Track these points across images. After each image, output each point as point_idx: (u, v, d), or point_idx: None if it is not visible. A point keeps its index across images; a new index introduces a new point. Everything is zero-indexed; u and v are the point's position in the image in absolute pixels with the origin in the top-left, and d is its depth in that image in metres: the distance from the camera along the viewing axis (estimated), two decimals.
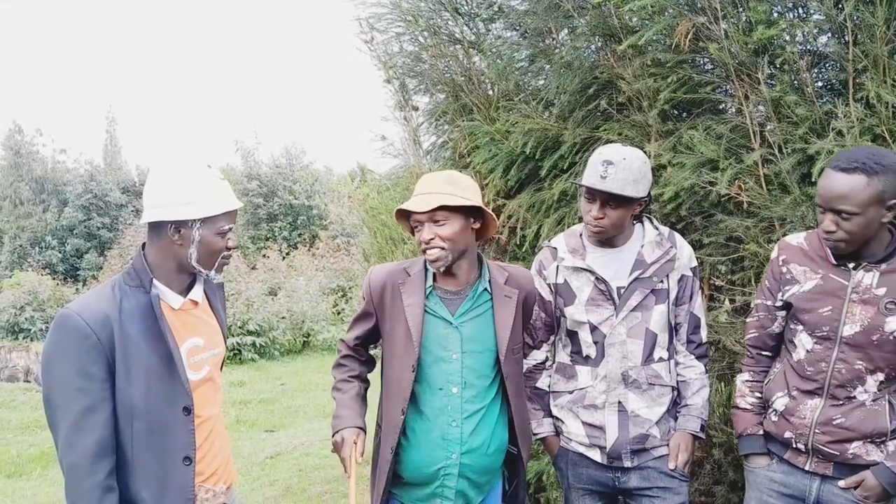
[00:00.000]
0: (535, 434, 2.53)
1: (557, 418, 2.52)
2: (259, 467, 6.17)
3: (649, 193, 2.39)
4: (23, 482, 6.03)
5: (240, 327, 12.78)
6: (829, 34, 2.73)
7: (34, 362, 10.80)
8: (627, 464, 2.39)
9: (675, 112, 3.20)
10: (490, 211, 2.29)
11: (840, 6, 2.57)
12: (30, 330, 18.02)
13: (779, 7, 2.86)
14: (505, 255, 3.75)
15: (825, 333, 2.13)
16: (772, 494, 2.29)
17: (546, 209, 3.45)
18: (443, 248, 2.20)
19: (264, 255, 19.57)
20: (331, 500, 5.16)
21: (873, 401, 2.11)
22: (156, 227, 1.93)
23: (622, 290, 2.36)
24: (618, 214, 2.32)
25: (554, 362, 2.55)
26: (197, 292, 2.06)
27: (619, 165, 2.26)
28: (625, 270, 2.37)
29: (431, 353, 2.27)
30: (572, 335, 2.45)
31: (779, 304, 2.26)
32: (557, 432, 2.54)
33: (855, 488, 2.14)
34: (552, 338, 2.55)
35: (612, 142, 2.94)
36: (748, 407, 2.38)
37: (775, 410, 2.28)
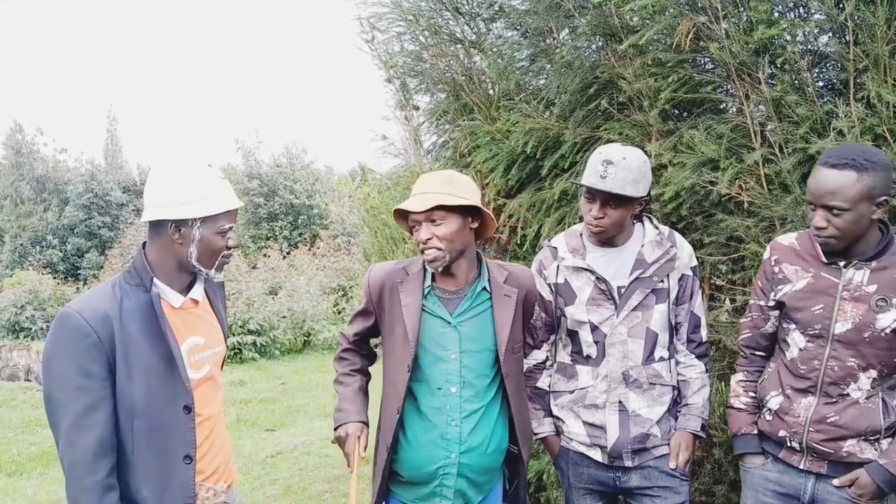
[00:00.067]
0: (535, 434, 2.53)
1: (558, 418, 2.52)
2: (260, 466, 6.17)
3: (649, 193, 2.39)
4: (23, 481, 6.04)
5: (240, 326, 12.78)
6: (830, 34, 2.73)
7: (35, 361, 10.81)
8: (628, 463, 2.39)
9: (676, 112, 3.20)
10: (488, 211, 2.28)
11: (841, 6, 2.57)
12: (30, 329, 18.03)
13: (780, 7, 2.86)
14: (505, 254, 3.75)
15: (817, 331, 2.14)
16: (767, 494, 2.30)
17: (547, 209, 3.45)
18: (440, 248, 2.20)
19: (265, 255, 19.57)
20: (331, 499, 5.16)
21: (867, 398, 2.11)
22: (156, 226, 1.94)
23: (623, 290, 2.36)
24: (618, 214, 2.32)
25: (554, 362, 2.55)
26: (197, 291, 2.06)
27: (618, 165, 2.26)
28: (625, 270, 2.37)
29: (430, 353, 2.27)
30: (573, 335, 2.45)
31: (771, 303, 2.28)
32: (558, 432, 2.54)
33: (849, 486, 2.14)
34: (552, 337, 2.55)
35: (612, 141, 2.94)
36: (742, 407, 2.39)
37: (769, 410, 2.29)
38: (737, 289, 3.02)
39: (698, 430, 2.41)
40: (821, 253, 2.14)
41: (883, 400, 2.12)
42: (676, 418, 2.44)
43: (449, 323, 2.27)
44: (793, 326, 2.21)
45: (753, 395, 2.38)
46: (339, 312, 15.89)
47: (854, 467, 2.14)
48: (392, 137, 4.67)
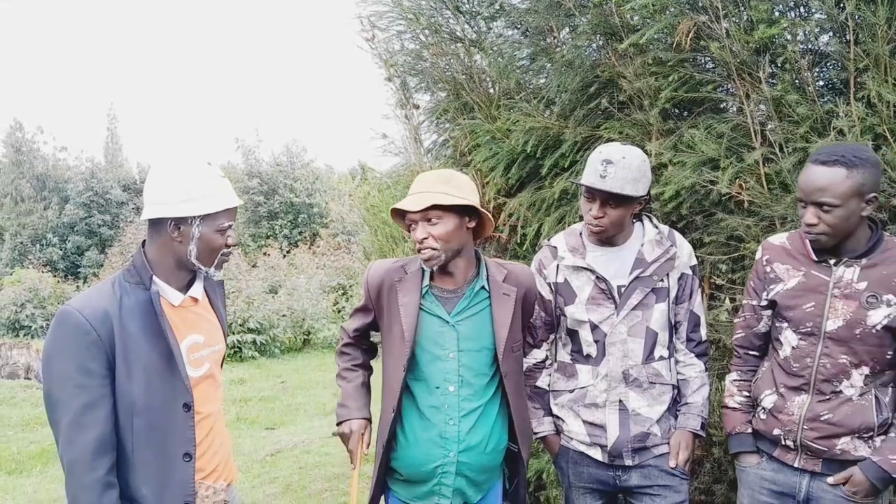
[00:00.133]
0: (535, 433, 2.53)
1: (558, 417, 2.52)
2: (259, 465, 6.18)
3: (649, 192, 2.39)
4: (23, 479, 6.04)
5: (240, 325, 12.79)
6: (831, 33, 2.72)
7: (35, 359, 10.82)
8: (628, 462, 2.39)
9: (676, 111, 3.20)
10: (485, 210, 2.27)
11: (841, 5, 2.57)
12: (30, 327, 18.05)
13: (780, 6, 2.85)
14: (506, 253, 3.75)
15: (809, 329, 2.16)
16: (763, 492, 2.31)
17: (547, 208, 3.45)
18: (435, 248, 2.19)
19: (265, 253, 19.59)
20: (331, 497, 5.16)
21: (860, 395, 2.13)
22: (156, 224, 1.94)
23: (623, 289, 2.36)
24: (618, 213, 2.32)
25: (554, 361, 2.55)
26: (197, 289, 2.06)
27: (618, 164, 2.25)
28: (625, 269, 2.37)
29: (428, 352, 2.27)
30: (572, 334, 2.45)
31: (764, 303, 2.29)
32: (558, 431, 2.54)
33: (843, 484, 2.15)
34: (552, 336, 2.55)
35: (612, 140, 2.94)
36: (736, 406, 2.41)
37: (764, 408, 2.30)
38: (737, 288, 3.02)
39: (698, 429, 2.41)
40: (811, 251, 2.16)
41: (876, 397, 2.13)
42: (676, 417, 2.44)
43: (447, 322, 2.27)
44: (785, 325, 2.23)
45: (748, 394, 2.39)
46: (339, 311, 15.91)
47: (848, 465, 2.15)
48: (392, 136, 4.68)
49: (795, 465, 2.23)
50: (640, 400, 2.38)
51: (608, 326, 2.36)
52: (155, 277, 1.95)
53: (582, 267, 2.40)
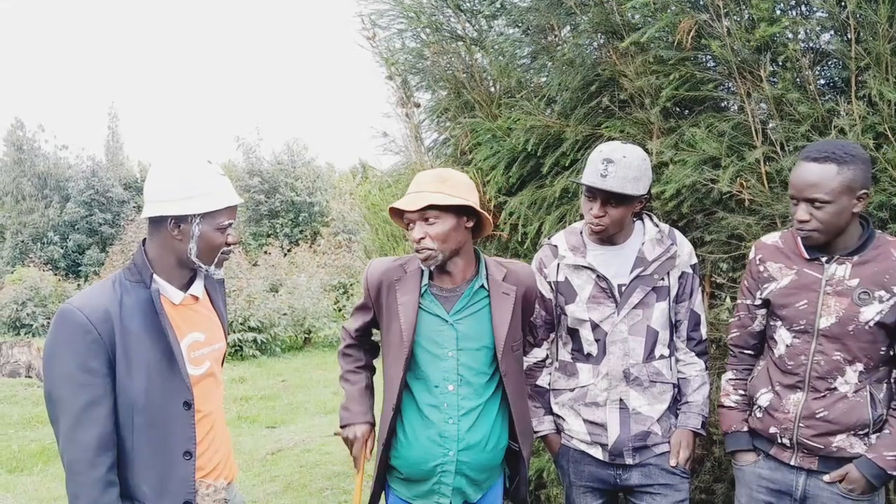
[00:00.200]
0: (535, 432, 2.53)
1: (558, 416, 2.52)
2: (260, 463, 6.18)
3: (649, 191, 2.39)
4: (24, 477, 6.04)
5: (241, 324, 12.79)
6: (832, 32, 2.72)
7: (35, 358, 10.82)
8: (629, 461, 2.39)
9: (677, 109, 3.20)
10: (482, 210, 2.26)
11: (842, 4, 2.57)
12: (31, 325, 18.09)
13: (781, 4, 2.85)
14: (506, 252, 3.75)
15: (802, 327, 2.17)
16: (761, 490, 2.31)
17: (547, 206, 3.45)
18: (432, 248, 2.19)
19: (266, 252, 19.60)
20: (332, 496, 5.17)
21: (855, 392, 2.14)
22: (156, 223, 1.94)
23: (623, 288, 2.36)
24: (618, 213, 2.32)
25: (555, 360, 2.55)
26: (197, 287, 2.06)
27: (619, 163, 2.25)
28: (626, 268, 2.37)
29: (427, 351, 2.27)
30: (573, 333, 2.45)
31: (758, 302, 2.31)
32: (558, 430, 2.54)
33: (840, 482, 2.16)
34: (552, 335, 2.55)
35: (613, 139, 2.94)
36: (732, 405, 2.41)
37: (760, 407, 2.31)
38: (737, 287, 3.01)
39: (699, 427, 2.41)
40: (803, 249, 2.18)
41: (871, 394, 2.14)
42: (677, 416, 2.44)
43: (446, 321, 2.27)
44: (779, 323, 2.25)
45: (743, 392, 2.41)
46: (340, 310, 15.92)
47: (844, 462, 2.16)
48: (393, 135, 4.67)
49: (792, 463, 2.24)
50: (641, 399, 2.38)
51: (609, 325, 2.36)
52: (155, 276, 1.95)
53: (583, 266, 2.40)
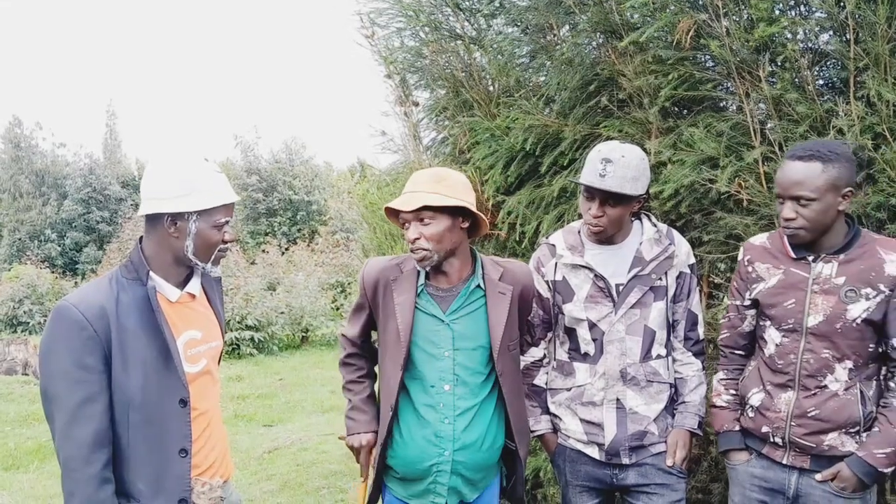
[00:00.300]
0: (532, 431, 2.53)
1: (555, 415, 2.52)
2: (257, 462, 6.18)
3: (647, 191, 2.39)
4: (20, 475, 6.04)
5: (238, 322, 12.78)
6: (831, 32, 2.72)
7: (32, 355, 10.82)
8: (625, 461, 2.39)
9: (676, 109, 3.20)
10: (478, 210, 2.26)
11: (841, 4, 2.57)
12: (28, 323, 18.08)
13: (780, 4, 2.85)
14: (504, 251, 3.75)
15: (791, 326, 2.19)
16: (754, 489, 2.32)
17: (546, 205, 3.45)
18: (427, 249, 2.19)
19: (263, 250, 19.58)
20: (328, 494, 5.16)
21: (845, 390, 2.15)
22: (153, 220, 1.94)
23: (621, 288, 2.36)
24: (617, 212, 2.31)
25: (552, 359, 2.55)
26: (194, 285, 2.05)
27: (617, 163, 2.25)
28: (623, 267, 2.37)
29: (423, 351, 2.26)
30: (570, 332, 2.45)
31: (747, 302, 2.33)
32: (555, 429, 2.54)
33: (832, 480, 2.17)
34: (550, 335, 2.54)
35: (612, 138, 2.94)
36: (724, 404, 2.43)
37: (752, 406, 2.32)
38: None
39: (695, 427, 2.41)
40: (790, 249, 2.20)
41: (861, 391, 2.15)
42: (673, 416, 2.44)
43: (442, 321, 2.27)
44: (768, 323, 2.26)
45: (734, 392, 2.42)
46: (338, 308, 15.92)
47: (836, 461, 2.17)
48: (391, 133, 4.66)
49: (784, 461, 2.26)
50: (638, 398, 2.38)
51: (606, 325, 2.36)
52: (152, 273, 1.94)
53: (580, 265, 2.39)
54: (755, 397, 2.31)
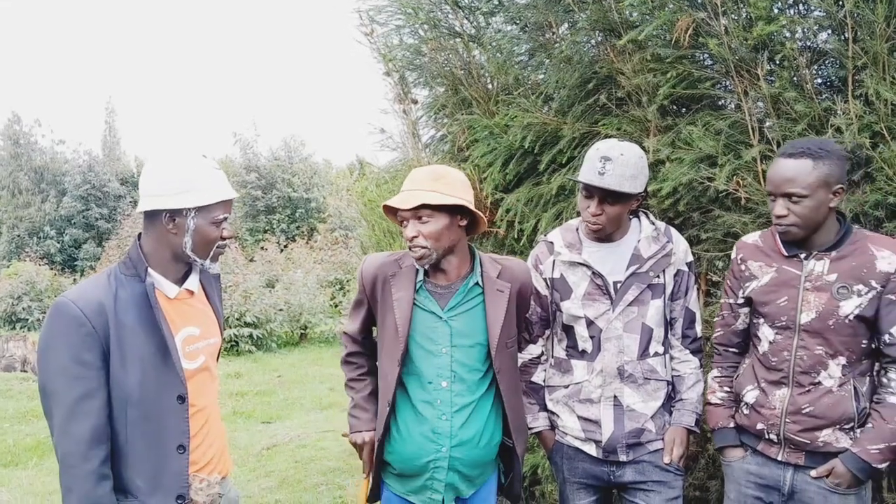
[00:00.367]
0: (530, 428, 2.54)
1: (553, 412, 2.53)
2: (255, 458, 6.18)
3: (646, 188, 2.39)
4: (19, 471, 6.04)
5: (237, 319, 12.78)
6: (829, 31, 2.72)
7: (31, 352, 10.82)
8: (622, 458, 2.39)
9: (675, 107, 3.20)
10: (476, 208, 2.26)
11: (840, 3, 2.57)
12: (27, 320, 18.07)
13: (779, 3, 2.85)
14: (503, 248, 3.75)
15: (784, 323, 2.21)
16: (749, 486, 2.34)
17: (544, 203, 3.45)
18: (426, 247, 2.19)
19: (262, 248, 19.58)
20: (326, 491, 5.17)
21: (839, 386, 2.17)
22: (151, 217, 1.94)
23: (619, 285, 2.36)
24: (616, 210, 2.32)
25: (550, 357, 2.56)
26: (193, 282, 2.06)
27: (616, 161, 2.25)
28: (621, 265, 2.37)
29: (421, 347, 2.27)
30: (568, 329, 2.45)
31: (740, 301, 2.35)
32: (552, 426, 2.54)
33: (826, 477, 2.18)
34: (548, 332, 2.55)
35: (610, 137, 2.94)
36: (718, 402, 2.44)
37: (746, 404, 2.33)
38: None
39: (692, 425, 2.42)
40: (782, 247, 2.21)
41: (854, 387, 2.17)
42: (671, 413, 2.45)
43: (440, 318, 2.27)
44: (762, 321, 2.28)
45: (729, 389, 2.43)
46: (336, 306, 15.90)
47: (831, 457, 2.18)
48: (390, 131, 4.66)
49: (779, 458, 2.27)
50: (635, 396, 2.38)
51: (604, 322, 2.37)
52: (150, 269, 1.94)
53: (578, 262, 2.40)
54: (750, 394, 2.32)
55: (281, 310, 13.93)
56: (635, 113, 3.15)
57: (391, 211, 2.28)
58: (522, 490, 2.55)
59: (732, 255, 2.39)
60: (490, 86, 3.93)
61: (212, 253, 2.00)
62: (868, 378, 2.20)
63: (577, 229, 2.47)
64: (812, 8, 2.79)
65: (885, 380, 2.17)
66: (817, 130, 2.64)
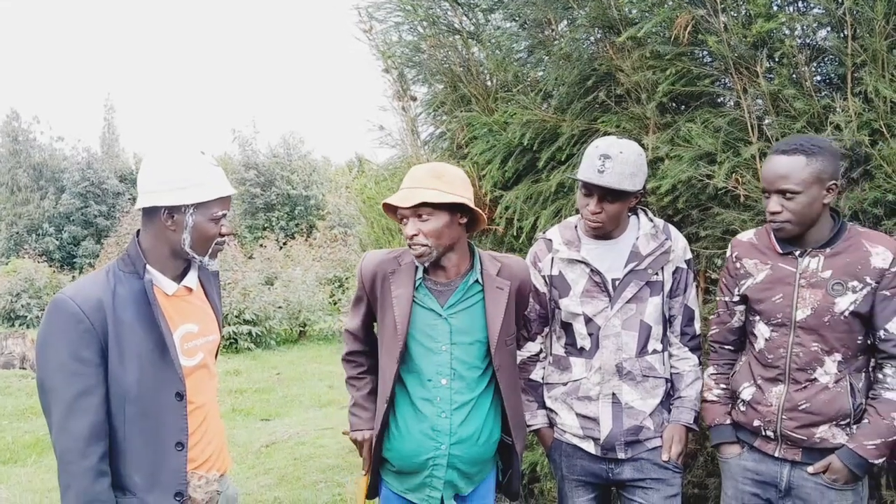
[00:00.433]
0: (529, 426, 2.54)
1: (551, 410, 2.53)
2: (254, 456, 6.18)
3: (644, 186, 2.39)
4: (18, 468, 6.04)
5: (236, 316, 12.78)
6: (829, 28, 2.72)
7: (30, 349, 10.81)
8: (621, 455, 2.39)
9: (674, 104, 3.19)
10: (476, 206, 2.26)
11: (839, 0, 2.56)
12: (26, 317, 18.06)
13: (778, 0, 2.85)
14: (502, 246, 3.75)
15: (780, 320, 2.21)
16: (746, 483, 2.34)
17: (543, 200, 3.45)
18: (426, 245, 2.19)
19: (261, 245, 19.56)
20: (325, 488, 5.17)
21: (835, 382, 2.17)
22: (150, 213, 1.94)
23: (617, 282, 2.36)
24: (615, 208, 2.32)
25: (548, 354, 2.56)
26: (191, 279, 2.06)
27: (616, 159, 2.25)
28: (620, 262, 2.37)
29: (420, 345, 2.27)
30: (566, 327, 2.45)
31: (736, 298, 2.35)
32: (551, 424, 2.54)
33: (823, 473, 2.19)
34: (546, 329, 2.55)
35: (609, 134, 2.93)
36: (715, 399, 2.45)
37: (743, 401, 2.34)
38: None
39: (691, 422, 2.42)
40: (777, 245, 2.22)
41: (850, 383, 2.17)
42: (669, 411, 2.45)
43: (440, 315, 2.27)
44: (757, 318, 2.29)
45: (725, 386, 2.44)
46: (336, 303, 15.90)
47: (827, 453, 2.19)
48: (389, 128, 4.66)
49: (776, 454, 2.27)
50: (634, 393, 2.38)
51: (602, 319, 2.37)
52: (148, 266, 1.94)
53: (577, 260, 2.40)
54: (746, 391, 2.32)
55: (280, 307, 13.92)
56: (634, 110, 3.14)
57: (391, 209, 2.28)
58: (521, 487, 2.54)
59: (727, 253, 2.39)
60: (489, 83, 3.92)
61: (210, 250, 2.00)
62: (864, 374, 2.21)
63: (576, 226, 2.47)
64: (811, 5, 2.79)
65: (880, 375, 2.18)
66: (816, 128, 2.64)
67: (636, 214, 2.45)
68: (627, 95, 3.19)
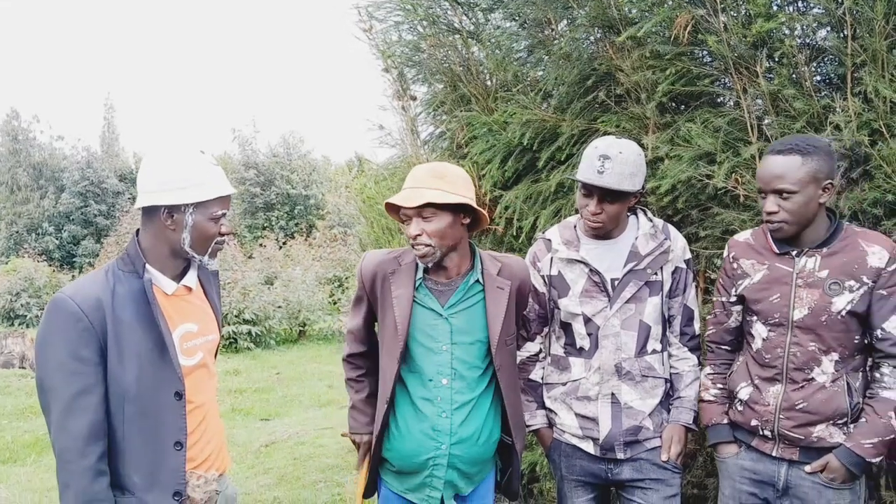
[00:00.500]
0: (528, 426, 2.54)
1: (551, 410, 2.52)
2: (254, 455, 6.18)
3: (644, 186, 2.39)
4: (17, 468, 6.04)
5: (236, 316, 12.78)
6: (828, 28, 2.72)
7: (29, 349, 10.81)
8: (620, 455, 2.39)
9: (673, 104, 3.19)
10: (478, 207, 2.25)
11: (839, 0, 2.56)
12: (25, 316, 18.06)
13: (778, 0, 2.85)
14: (501, 245, 3.75)
15: (777, 320, 2.22)
16: (744, 482, 2.34)
17: (543, 200, 3.45)
18: (430, 245, 2.19)
19: (261, 245, 19.57)
20: (325, 488, 5.17)
21: (832, 382, 2.18)
22: (149, 213, 1.94)
23: (616, 282, 2.36)
24: (615, 209, 2.32)
25: (548, 354, 2.56)
26: (191, 278, 2.05)
27: (615, 159, 2.25)
28: (619, 262, 2.37)
29: (421, 345, 2.27)
30: (566, 327, 2.45)
31: (733, 299, 2.36)
32: (550, 424, 2.54)
33: (820, 472, 2.19)
34: (546, 329, 2.55)
35: (609, 134, 2.93)
36: (712, 398, 2.45)
37: (740, 400, 2.34)
38: None
39: (690, 422, 2.42)
40: (773, 245, 2.23)
41: (847, 383, 2.18)
42: (669, 411, 2.45)
43: (440, 315, 2.27)
44: (755, 318, 2.29)
45: (722, 386, 2.44)
46: (335, 303, 15.91)
47: (825, 453, 2.20)
48: (389, 128, 4.65)
49: (773, 454, 2.28)
50: (633, 393, 2.38)
51: (601, 319, 2.36)
52: (148, 265, 1.94)
53: (576, 260, 2.40)
54: (744, 391, 2.33)
55: (280, 307, 13.93)
56: (634, 110, 3.14)
57: (393, 208, 2.28)
58: (521, 487, 2.54)
59: (724, 254, 2.40)
60: (489, 82, 3.92)
61: (210, 249, 2.00)
62: (861, 373, 2.21)
63: (575, 226, 2.47)
64: (811, 5, 2.79)
65: (877, 374, 2.18)
66: (816, 128, 2.64)
67: (635, 214, 2.45)
68: (627, 95, 3.19)
